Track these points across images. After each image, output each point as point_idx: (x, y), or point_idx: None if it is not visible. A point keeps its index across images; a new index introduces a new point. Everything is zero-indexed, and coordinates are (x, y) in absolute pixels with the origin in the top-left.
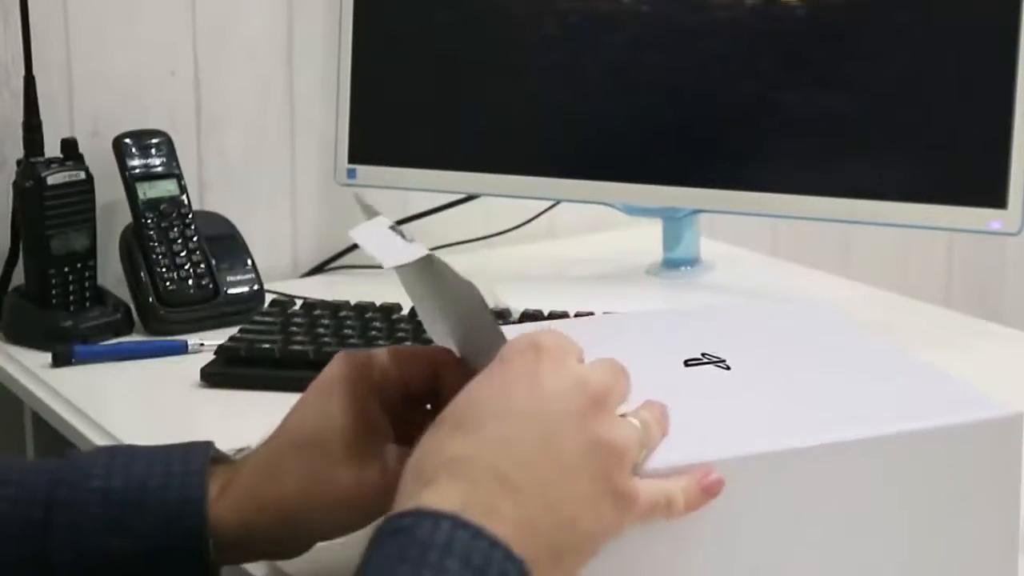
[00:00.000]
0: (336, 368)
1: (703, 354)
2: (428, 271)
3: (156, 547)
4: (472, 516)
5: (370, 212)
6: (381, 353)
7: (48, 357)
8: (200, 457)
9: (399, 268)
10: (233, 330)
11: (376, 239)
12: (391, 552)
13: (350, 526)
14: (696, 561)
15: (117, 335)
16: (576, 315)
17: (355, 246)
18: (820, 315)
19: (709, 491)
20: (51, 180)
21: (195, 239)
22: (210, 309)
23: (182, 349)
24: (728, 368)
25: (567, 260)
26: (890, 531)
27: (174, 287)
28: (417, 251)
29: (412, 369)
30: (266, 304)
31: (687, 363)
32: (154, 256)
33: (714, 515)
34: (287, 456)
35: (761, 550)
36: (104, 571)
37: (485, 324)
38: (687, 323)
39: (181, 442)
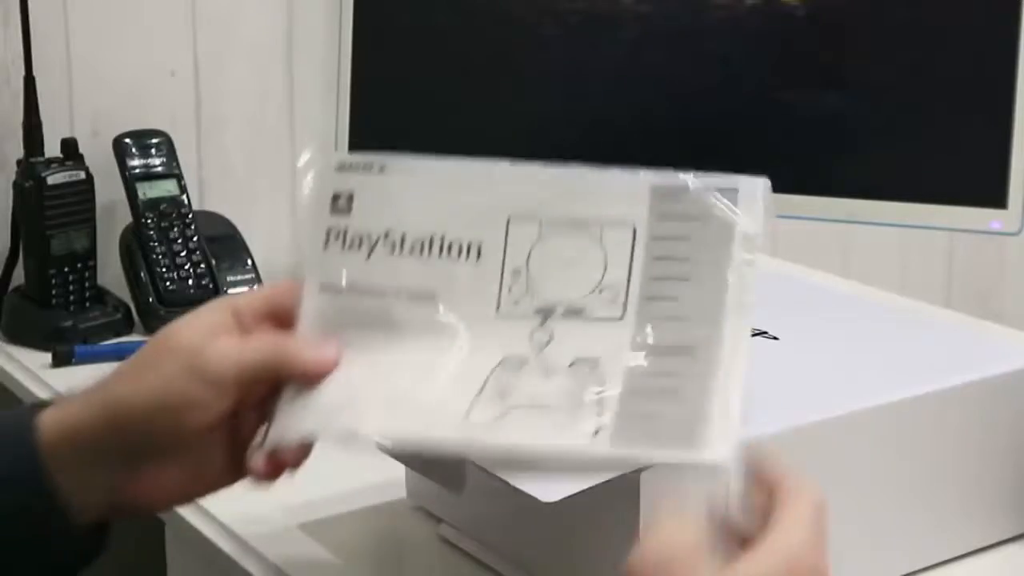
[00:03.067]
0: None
1: None
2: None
3: None
4: None
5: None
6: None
7: (48, 357)
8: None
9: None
10: None
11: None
12: None
13: (187, 463)
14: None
15: (117, 335)
16: None
17: None
18: (802, 277)
19: None
20: (51, 180)
21: (195, 239)
22: None
23: None
24: (776, 339)
25: None
26: (959, 477)
27: (174, 287)
28: None
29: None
30: None
31: None
32: (154, 256)
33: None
34: (157, 356)
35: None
36: None
37: None
38: None
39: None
